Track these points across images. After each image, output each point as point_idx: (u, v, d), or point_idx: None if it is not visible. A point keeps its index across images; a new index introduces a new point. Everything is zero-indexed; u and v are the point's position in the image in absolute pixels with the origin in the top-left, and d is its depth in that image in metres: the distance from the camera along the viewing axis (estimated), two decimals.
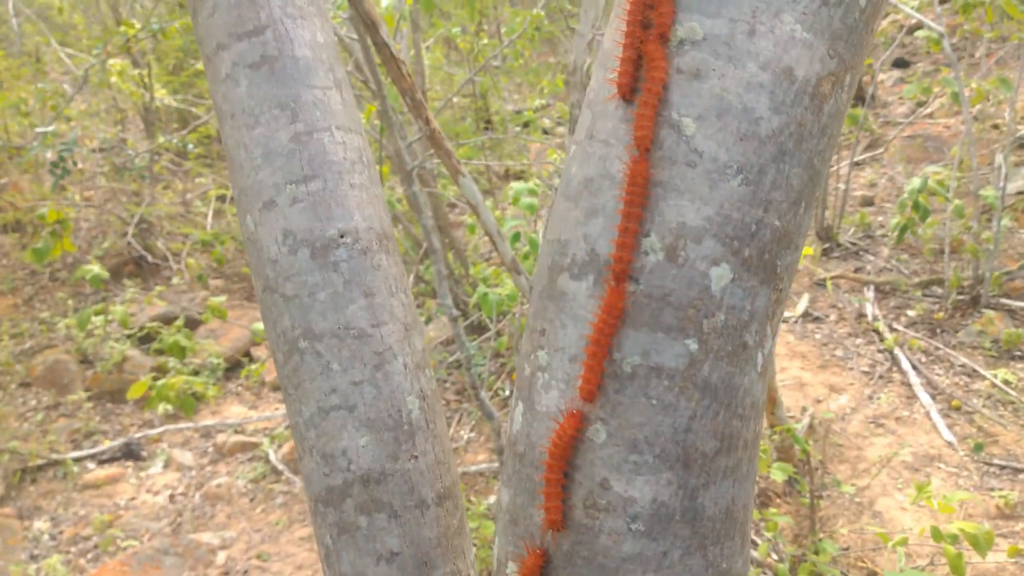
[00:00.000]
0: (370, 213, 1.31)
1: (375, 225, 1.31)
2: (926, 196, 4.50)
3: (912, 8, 5.03)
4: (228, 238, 6.57)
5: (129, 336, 5.62)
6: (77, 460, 5.07)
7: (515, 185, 4.40)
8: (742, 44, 0.67)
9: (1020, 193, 5.68)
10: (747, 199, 0.69)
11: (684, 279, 0.68)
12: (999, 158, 4.95)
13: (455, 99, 7.67)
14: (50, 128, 3.74)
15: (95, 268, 3.70)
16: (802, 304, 5.40)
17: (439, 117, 7.88)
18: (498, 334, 5.26)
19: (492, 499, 4.37)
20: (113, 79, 5.87)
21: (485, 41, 5.30)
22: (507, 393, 5.14)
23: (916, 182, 4.46)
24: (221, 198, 7.20)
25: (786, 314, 5.41)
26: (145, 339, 5.68)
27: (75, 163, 3.36)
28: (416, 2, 4.36)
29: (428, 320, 5.99)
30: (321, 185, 1.28)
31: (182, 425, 5.27)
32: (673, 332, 0.68)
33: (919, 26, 5.68)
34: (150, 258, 6.15)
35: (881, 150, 6.30)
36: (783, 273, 0.72)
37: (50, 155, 3.79)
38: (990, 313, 4.99)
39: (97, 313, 3.77)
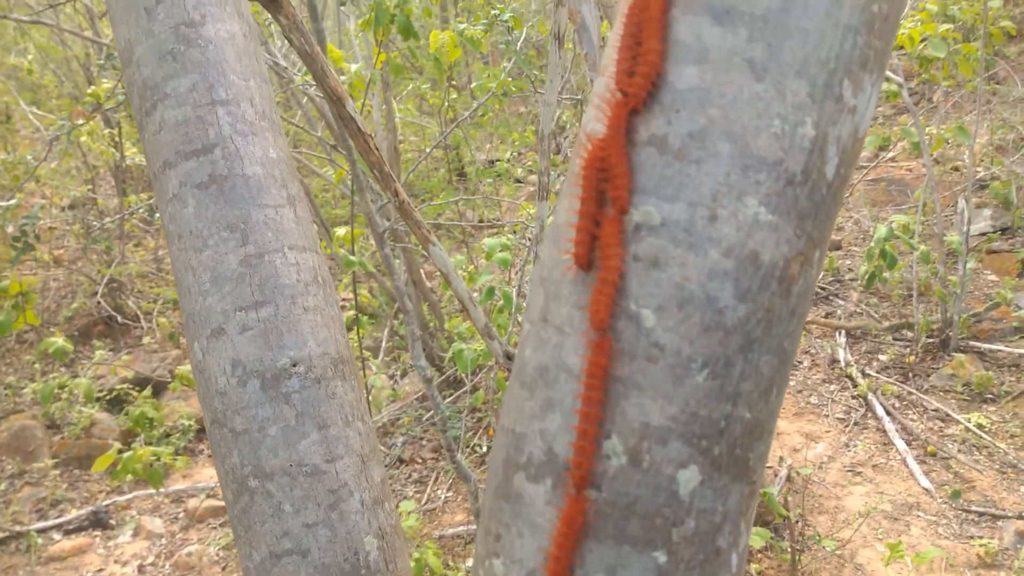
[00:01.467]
0: (325, 337, 1.25)
1: (330, 350, 1.25)
2: (892, 245, 4.54)
3: None
4: None
5: (98, 399, 5.45)
6: (42, 531, 4.86)
7: (488, 241, 4.36)
8: (703, 230, 0.63)
9: (983, 234, 5.77)
10: (714, 394, 0.64)
11: (650, 485, 0.63)
12: (961, 202, 5.03)
13: (428, 150, 7.66)
14: (12, 202, 3.64)
15: (59, 340, 3.58)
16: None
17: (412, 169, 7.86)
18: (474, 388, 5.18)
19: (470, 562, 4.26)
20: (83, 139, 5.77)
21: (455, 96, 5.30)
22: (484, 450, 5.04)
23: (882, 231, 4.50)
24: None
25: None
26: (115, 401, 5.52)
27: (37, 236, 3.26)
28: (385, 64, 4.35)
29: (404, 374, 5.90)
30: (272, 311, 1.21)
31: (152, 491, 5.09)
32: (640, 544, 0.63)
33: None
34: (120, 318, 6.00)
35: (845, 195, 6.39)
36: (756, 465, 0.68)
37: (11, 229, 3.68)
38: (960, 356, 5.02)
39: (61, 386, 3.64)
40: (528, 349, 0.71)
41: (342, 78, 4.60)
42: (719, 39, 0.63)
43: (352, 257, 4.21)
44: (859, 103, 0.67)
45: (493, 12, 3.07)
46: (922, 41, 4.87)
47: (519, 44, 4.26)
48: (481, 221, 7.29)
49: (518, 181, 7.31)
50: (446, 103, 5.34)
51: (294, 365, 1.20)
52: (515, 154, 6.94)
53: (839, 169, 0.67)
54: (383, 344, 5.45)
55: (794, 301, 0.67)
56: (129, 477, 5.20)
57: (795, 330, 0.69)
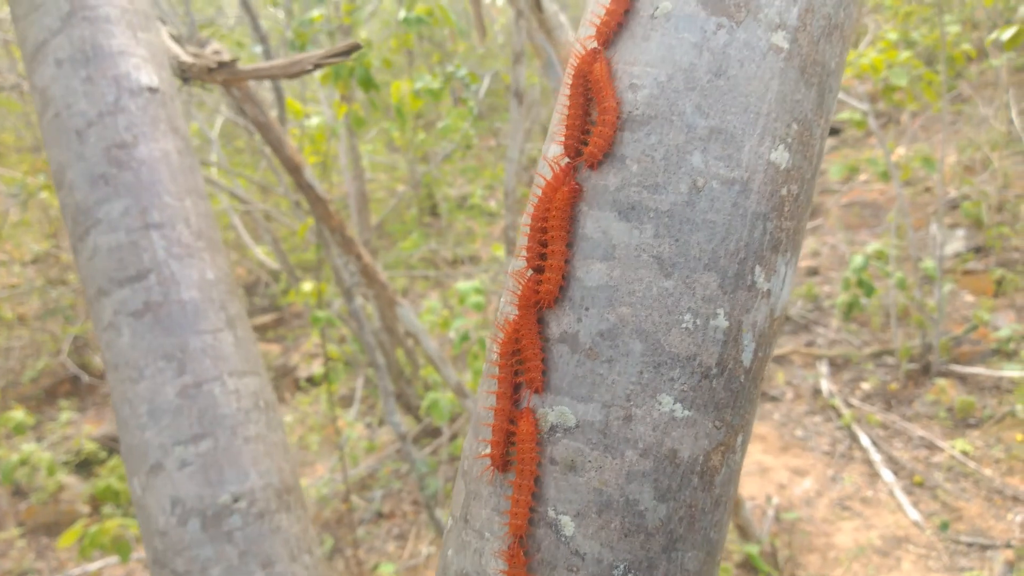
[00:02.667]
0: (267, 467, 1.21)
1: (273, 480, 1.21)
2: (868, 274, 4.56)
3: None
4: None
5: (66, 463, 5.34)
6: None
7: (461, 285, 4.34)
8: (618, 431, 0.60)
9: (958, 254, 5.81)
10: None
11: None
12: (934, 227, 5.06)
13: (400, 188, 7.66)
14: None
15: (19, 415, 3.51)
16: None
17: (381, 209, 7.85)
18: (453, 436, 5.12)
19: None
20: (44, 194, 5.71)
21: (423, 136, 5.30)
22: None
23: (857, 260, 4.52)
24: None
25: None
26: (84, 464, 5.41)
27: None
28: (348, 116, 4.33)
29: (381, 422, 5.83)
30: (212, 444, 1.18)
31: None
32: None
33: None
34: (87, 377, 5.90)
35: (820, 220, 6.42)
36: None
37: None
38: (942, 382, 5.02)
39: (23, 461, 3.55)
40: (450, 550, 0.68)
41: (313, 122, 4.59)
42: (626, 235, 0.61)
43: (320, 312, 4.17)
44: (774, 285, 0.64)
45: (448, 69, 3.06)
46: (887, 68, 4.93)
47: (483, 85, 4.27)
48: (455, 259, 7.27)
49: (492, 215, 7.31)
50: (414, 143, 5.34)
51: (235, 500, 1.16)
52: (487, 187, 6.94)
53: (757, 353, 0.65)
54: (358, 393, 5.38)
55: (718, 491, 0.64)
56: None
57: (721, 518, 0.66)
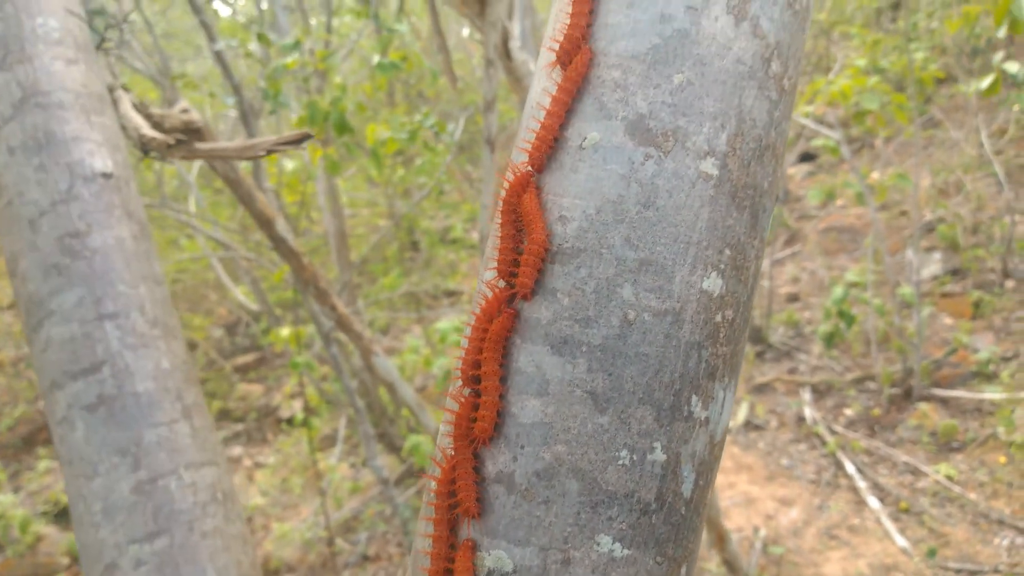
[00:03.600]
0: (226, 563, 1.18)
1: (232, 575, 1.18)
2: (848, 304, 4.58)
3: (808, 117, 5.24)
4: None
5: (44, 513, 5.24)
6: None
7: (441, 325, 4.32)
8: None
9: (935, 277, 5.86)
10: None
11: None
12: (910, 253, 5.11)
13: (381, 222, 7.65)
14: None
15: None
16: (742, 413, 5.38)
17: (363, 246, 7.84)
18: None
19: None
20: None
21: (401, 173, 5.31)
22: None
23: (838, 292, 4.54)
24: None
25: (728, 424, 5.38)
26: (62, 514, 5.31)
27: None
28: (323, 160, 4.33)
29: (365, 462, 5.78)
30: (168, 542, 1.15)
31: None
32: None
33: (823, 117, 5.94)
34: None
35: (799, 246, 6.47)
36: None
37: None
38: (924, 406, 5.04)
39: None
40: None
41: (289, 166, 4.58)
42: (559, 370, 0.60)
43: (298, 358, 4.14)
44: (712, 412, 0.64)
45: (417, 118, 3.07)
46: (857, 94, 5.00)
47: (459, 126, 4.28)
48: (437, 292, 7.25)
49: (474, 247, 7.31)
50: (392, 180, 5.34)
51: None
52: (468, 222, 6.95)
53: (697, 482, 0.64)
54: (341, 433, 5.33)
55: None
56: None
57: None
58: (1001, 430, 4.80)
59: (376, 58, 4.03)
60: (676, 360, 0.61)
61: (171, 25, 7.22)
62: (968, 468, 4.74)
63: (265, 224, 2.74)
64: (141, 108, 2.24)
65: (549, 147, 0.63)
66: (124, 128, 1.87)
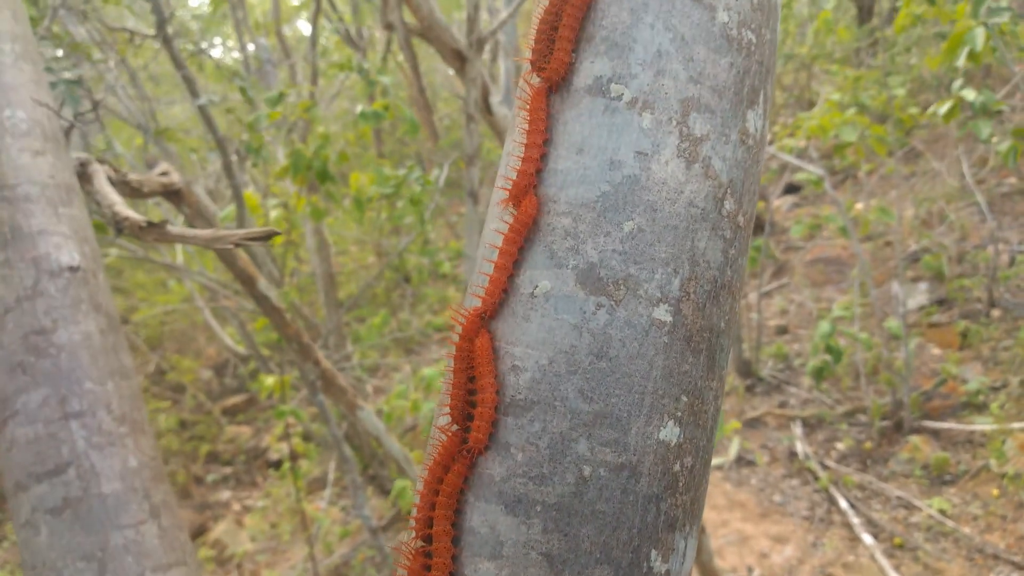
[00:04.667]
0: None
1: None
2: (836, 340, 4.59)
3: (791, 153, 5.29)
4: None
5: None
6: None
7: (427, 371, 4.29)
8: None
9: (922, 308, 5.88)
10: None
11: None
12: (895, 286, 5.13)
13: (370, 259, 7.64)
14: None
15: None
16: (734, 449, 5.35)
17: (353, 283, 7.82)
18: None
19: None
20: None
21: (387, 214, 5.31)
22: None
23: (824, 327, 4.55)
24: None
25: (719, 460, 5.35)
26: None
27: None
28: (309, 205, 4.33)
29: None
30: None
31: None
32: None
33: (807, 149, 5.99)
34: None
35: (786, 278, 6.49)
36: None
37: None
38: (915, 438, 5.03)
39: None
40: None
41: (272, 211, 4.57)
42: (514, 531, 0.59)
43: (284, 407, 4.10)
44: (672, 565, 0.62)
45: (401, 172, 3.08)
46: (836, 128, 5.06)
47: (443, 173, 4.30)
48: (428, 330, 7.23)
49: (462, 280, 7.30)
50: (378, 222, 5.34)
51: None
52: (457, 259, 6.95)
53: None
54: (330, 476, 5.27)
55: None
56: None
57: None
58: (993, 462, 4.79)
59: (360, 107, 4.05)
60: (634, 515, 0.59)
61: (160, 67, 7.26)
62: (961, 501, 4.71)
63: (247, 282, 2.72)
64: (118, 176, 2.23)
65: (500, 294, 0.63)
66: (98, 204, 1.86)
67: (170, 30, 3.43)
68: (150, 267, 6.93)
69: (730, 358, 5.80)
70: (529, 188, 0.65)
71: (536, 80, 0.67)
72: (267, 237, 1.15)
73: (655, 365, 0.60)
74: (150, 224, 1.55)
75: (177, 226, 1.44)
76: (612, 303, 0.60)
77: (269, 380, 4.31)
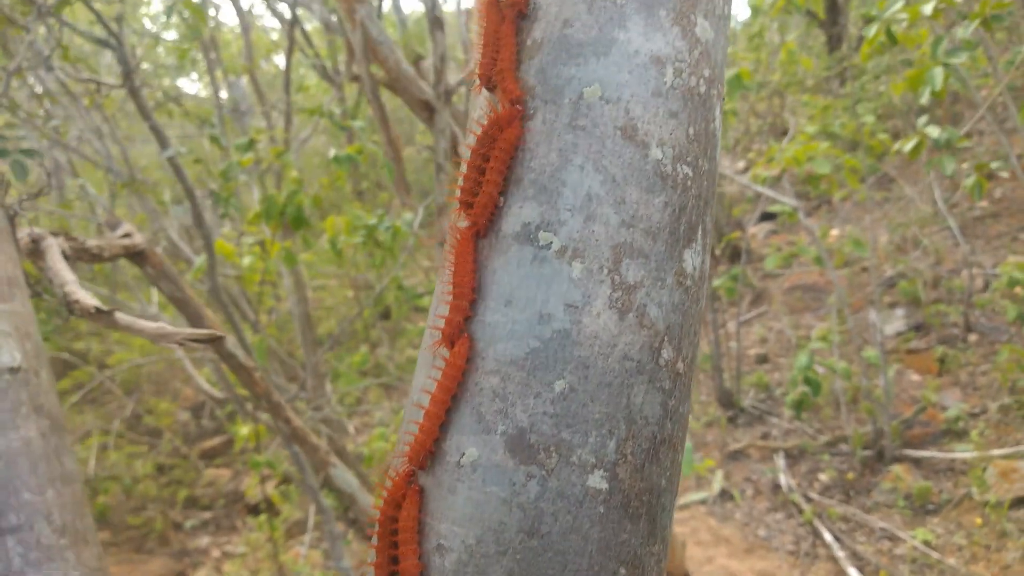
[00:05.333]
0: None
1: None
2: (815, 371, 4.58)
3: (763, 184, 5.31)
4: (113, 484, 6.11)
5: None
6: None
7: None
8: None
9: (900, 334, 5.90)
10: None
11: None
12: (872, 314, 5.15)
13: (350, 294, 7.58)
14: None
15: None
16: (717, 483, 5.32)
17: (333, 318, 7.74)
18: None
19: None
20: None
21: (361, 255, 5.28)
22: None
23: (802, 360, 4.54)
24: (105, 431, 6.74)
25: (703, 495, 5.31)
26: None
27: None
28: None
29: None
30: None
31: None
32: None
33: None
34: None
35: (765, 306, 6.51)
36: None
37: None
38: (897, 468, 5.02)
39: None
40: None
41: (246, 261, 4.52)
42: None
43: (259, 457, 4.03)
44: None
45: (371, 223, 3.05)
46: (809, 160, 5.10)
47: (419, 216, 4.27)
48: (410, 365, 7.15)
49: None
50: (354, 261, 5.29)
51: None
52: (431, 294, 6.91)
53: None
54: (311, 521, 5.17)
55: None
56: None
57: None
58: (975, 490, 4.78)
59: (332, 152, 4.03)
60: None
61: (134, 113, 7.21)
62: (945, 531, 4.70)
63: (215, 341, 2.67)
64: (76, 245, 2.18)
65: (428, 455, 0.59)
66: (51, 281, 1.80)
67: (137, 81, 3.40)
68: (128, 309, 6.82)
69: (712, 388, 5.70)
70: (458, 335, 0.62)
71: (464, 223, 0.65)
72: (210, 341, 1.11)
73: (591, 539, 0.57)
74: (99, 310, 1.50)
75: (125, 315, 1.40)
76: (543, 473, 0.57)
77: (244, 430, 4.23)
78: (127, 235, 2.47)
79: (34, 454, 1.21)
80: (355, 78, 3.05)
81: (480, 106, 0.73)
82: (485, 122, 0.67)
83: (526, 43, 0.69)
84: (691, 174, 0.66)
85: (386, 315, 7.69)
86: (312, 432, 4.77)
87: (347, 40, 2.97)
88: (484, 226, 0.64)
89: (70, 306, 1.65)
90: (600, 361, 0.59)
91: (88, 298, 1.57)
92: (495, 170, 0.63)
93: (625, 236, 0.62)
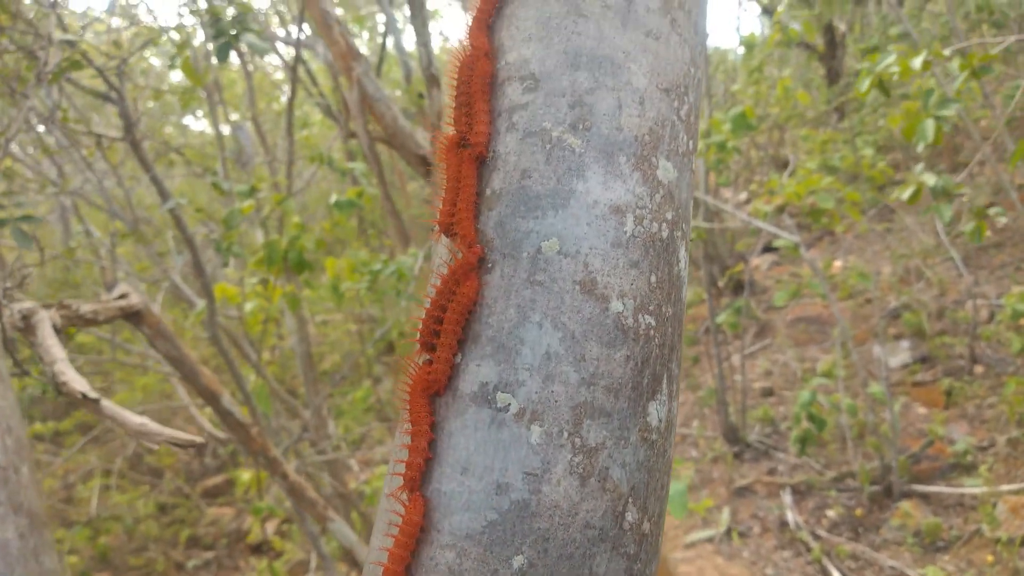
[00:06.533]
0: None
1: None
2: (818, 407, 4.55)
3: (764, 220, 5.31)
4: (115, 524, 6.08)
5: None
6: None
7: None
8: None
9: (905, 366, 5.86)
10: None
11: None
12: (877, 349, 5.11)
13: (353, 328, 7.58)
14: None
15: None
16: (725, 519, 5.25)
17: (337, 353, 7.74)
18: None
19: None
20: None
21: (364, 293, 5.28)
22: None
23: (805, 396, 4.51)
24: (107, 470, 6.73)
25: (710, 532, 5.25)
26: None
27: None
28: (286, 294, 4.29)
29: None
30: None
31: None
32: None
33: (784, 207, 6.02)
34: None
35: (769, 339, 6.47)
36: None
37: None
38: (905, 504, 4.95)
39: None
40: None
41: (248, 307, 4.53)
42: None
43: (260, 504, 4.01)
44: None
45: (376, 268, 3.05)
46: (811, 194, 5.10)
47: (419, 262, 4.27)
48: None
49: None
50: (359, 297, 5.30)
51: None
52: None
53: None
54: (313, 563, 5.13)
55: None
56: None
57: None
58: (985, 527, 4.71)
59: (334, 196, 4.04)
60: None
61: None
62: (956, 569, 4.62)
63: (211, 399, 2.67)
64: (70, 313, 2.19)
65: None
66: (41, 358, 1.81)
67: (138, 134, 3.43)
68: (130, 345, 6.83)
69: (718, 423, 5.64)
70: (419, 479, 0.61)
71: (423, 358, 0.64)
72: (190, 446, 1.11)
73: None
74: (85, 397, 1.50)
75: (111, 404, 1.39)
76: None
77: (245, 476, 4.22)
78: (123, 296, 2.48)
79: (11, 556, 1.20)
80: (352, 134, 3.07)
81: (440, 254, 0.72)
82: (445, 271, 0.67)
83: (485, 193, 0.69)
84: (654, 323, 0.66)
85: (390, 348, 7.68)
86: (316, 475, 4.75)
87: (343, 96, 2.99)
88: (442, 384, 0.63)
89: (58, 387, 1.65)
90: (560, 532, 0.58)
91: (77, 381, 1.57)
92: (450, 332, 0.62)
93: (586, 395, 0.61)
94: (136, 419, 1.27)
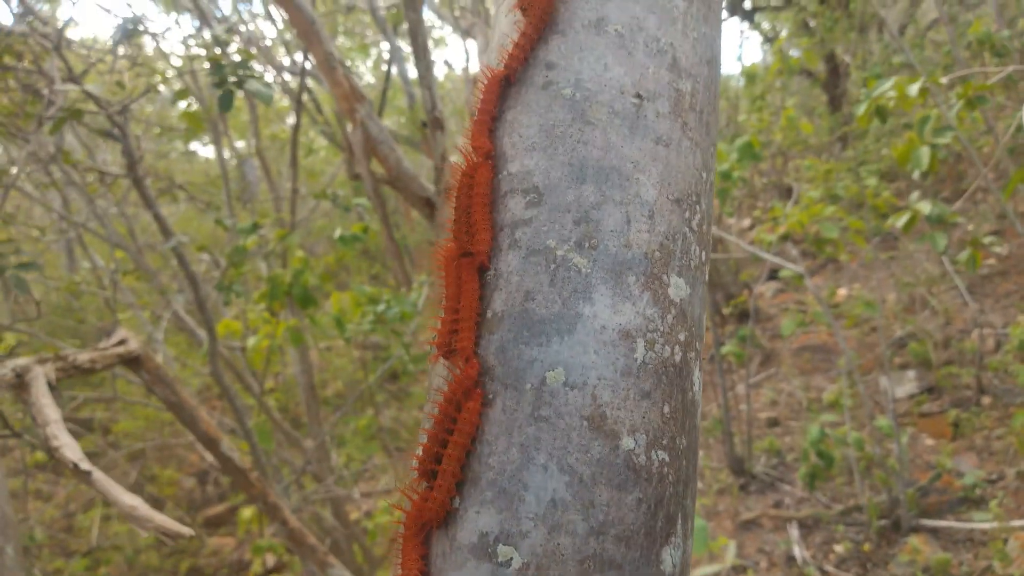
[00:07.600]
0: None
1: None
2: (827, 443, 4.49)
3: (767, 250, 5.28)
4: (115, 554, 6.02)
5: None
6: None
7: None
8: None
9: (911, 396, 5.80)
10: None
11: None
12: (883, 380, 5.05)
13: (357, 354, 7.54)
14: None
15: None
16: (730, 554, 5.17)
17: (338, 380, 7.70)
18: None
19: None
20: None
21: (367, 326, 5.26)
22: None
23: (814, 432, 4.45)
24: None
25: (716, 567, 5.17)
26: None
27: None
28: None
29: None
30: None
31: None
32: None
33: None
34: None
35: (774, 368, 6.42)
36: None
37: None
38: (914, 539, 4.87)
39: None
40: None
41: (251, 342, 4.49)
42: None
43: (261, 542, 3.95)
44: None
45: (379, 309, 3.03)
46: (815, 223, 5.07)
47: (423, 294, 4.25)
48: (416, 426, 7.08)
49: None
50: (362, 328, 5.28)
51: None
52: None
53: None
54: None
55: None
56: None
57: None
58: (996, 564, 4.63)
59: (339, 231, 4.03)
60: None
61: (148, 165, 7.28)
62: None
63: (210, 444, 2.63)
64: (67, 364, 2.15)
65: None
66: (34, 419, 1.77)
67: (140, 171, 3.42)
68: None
69: (723, 454, 5.58)
70: None
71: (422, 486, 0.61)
72: (178, 537, 1.07)
73: None
74: (76, 467, 1.46)
75: (104, 477, 1.35)
76: None
77: (247, 513, 4.17)
78: (121, 342, 2.45)
79: None
80: (355, 176, 3.05)
81: (439, 374, 0.69)
82: (441, 398, 0.64)
83: (487, 315, 0.66)
84: (668, 459, 0.62)
85: (393, 376, 7.64)
86: (318, 511, 4.69)
87: (346, 138, 2.99)
88: (438, 524, 0.60)
89: (51, 452, 1.61)
90: None
91: (70, 448, 1.53)
92: (448, 472, 0.59)
93: (594, 547, 0.57)
94: (128, 500, 1.24)
